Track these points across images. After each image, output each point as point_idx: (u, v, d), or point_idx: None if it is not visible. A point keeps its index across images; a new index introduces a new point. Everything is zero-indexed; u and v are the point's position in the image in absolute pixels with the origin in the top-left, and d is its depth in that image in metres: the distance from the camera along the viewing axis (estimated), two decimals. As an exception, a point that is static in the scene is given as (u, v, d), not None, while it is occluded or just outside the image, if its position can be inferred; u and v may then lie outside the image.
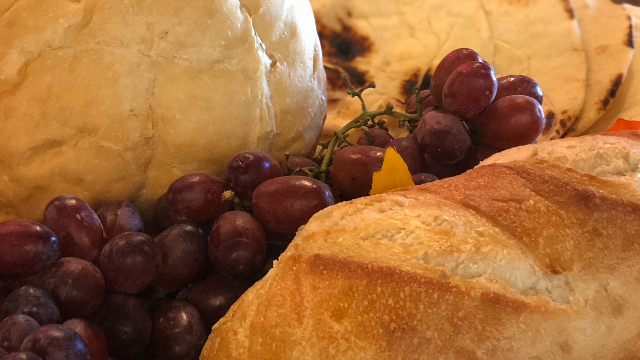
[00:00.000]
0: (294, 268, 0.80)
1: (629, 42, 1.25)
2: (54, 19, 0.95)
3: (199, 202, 0.95)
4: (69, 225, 0.89)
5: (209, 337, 0.85)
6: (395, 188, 0.89)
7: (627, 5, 1.33)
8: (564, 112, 1.19)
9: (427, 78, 1.29)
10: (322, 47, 1.23)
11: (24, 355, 0.74)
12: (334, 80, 1.30)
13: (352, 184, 0.98)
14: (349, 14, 1.42)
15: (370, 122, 1.10)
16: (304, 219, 0.87)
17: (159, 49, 0.96)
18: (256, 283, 0.84)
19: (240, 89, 0.99)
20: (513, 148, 0.92)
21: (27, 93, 0.95)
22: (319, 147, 1.11)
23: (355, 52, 1.37)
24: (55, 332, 0.77)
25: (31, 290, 0.83)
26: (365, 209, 0.83)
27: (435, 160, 1.02)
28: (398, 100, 1.26)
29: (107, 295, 0.88)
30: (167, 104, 0.96)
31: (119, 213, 0.94)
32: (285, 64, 1.03)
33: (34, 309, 0.82)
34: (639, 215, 0.82)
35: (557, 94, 1.21)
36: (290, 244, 0.84)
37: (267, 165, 0.97)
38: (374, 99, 1.27)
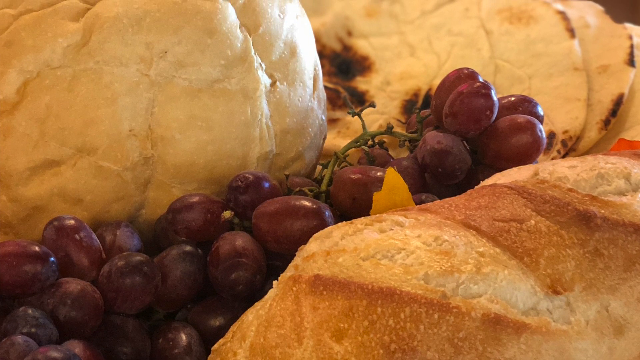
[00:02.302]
0: (294, 288, 0.80)
1: (631, 62, 1.25)
2: (53, 38, 0.95)
3: (199, 222, 0.95)
4: (67, 245, 0.89)
5: (209, 358, 0.84)
6: (396, 208, 0.89)
7: (628, 25, 1.33)
8: (565, 132, 1.19)
9: (427, 98, 1.29)
10: (322, 66, 1.23)
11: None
12: (334, 100, 1.30)
13: (352, 204, 0.98)
14: (349, 34, 1.42)
15: (370, 142, 1.10)
16: (303, 239, 0.87)
17: (158, 68, 0.96)
18: (256, 304, 0.84)
19: (239, 108, 0.99)
20: (514, 168, 0.92)
21: (26, 113, 0.95)
22: (319, 167, 1.11)
23: (355, 71, 1.36)
24: (54, 353, 0.77)
25: (30, 311, 0.83)
26: (365, 229, 0.83)
27: (435, 180, 1.02)
28: (398, 120, 1.26)
29: (106, 315, 0.88)
30: (166, 123, 0.96)
31: (118, 233, 0.94)
32: (285, 83, 1.03)
33: (33, 330, 0.81)
34: (640, 235, 0.82)
35: (558, 114, 1.21)
36: (290, 265, 0.84)
37: (266, 185, 0.97)
38: (374, 119, 1.27)
